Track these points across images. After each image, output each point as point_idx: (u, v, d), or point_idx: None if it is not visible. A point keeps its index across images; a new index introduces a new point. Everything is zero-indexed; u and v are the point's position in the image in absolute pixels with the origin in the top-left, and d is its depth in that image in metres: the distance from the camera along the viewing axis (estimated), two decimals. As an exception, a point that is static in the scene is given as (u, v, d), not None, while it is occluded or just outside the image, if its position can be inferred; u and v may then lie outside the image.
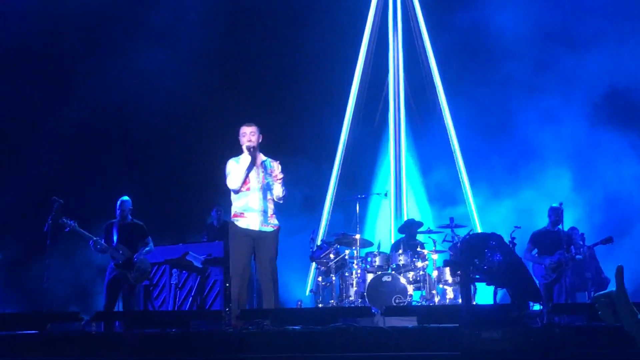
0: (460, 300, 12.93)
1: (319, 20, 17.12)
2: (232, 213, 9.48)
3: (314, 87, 16.85)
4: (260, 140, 9.55)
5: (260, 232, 9.29)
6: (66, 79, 16.73)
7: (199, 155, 15.43)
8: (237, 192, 9.41)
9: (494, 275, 6.90)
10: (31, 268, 14.40)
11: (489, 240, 6.97)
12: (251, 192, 9.37)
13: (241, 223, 9.34)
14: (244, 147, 9.42)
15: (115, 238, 12.05)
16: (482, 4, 16.99)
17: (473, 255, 6.89)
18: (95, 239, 11.85)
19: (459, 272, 6.85)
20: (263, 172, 9.46)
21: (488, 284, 7.03)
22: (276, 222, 9.44)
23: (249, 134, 9.42)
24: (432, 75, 17.06)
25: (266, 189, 9.41)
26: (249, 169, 9.38)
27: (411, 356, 6.86)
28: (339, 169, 16.89)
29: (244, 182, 9.37)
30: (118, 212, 12.25)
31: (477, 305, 7.49)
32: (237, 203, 9.43)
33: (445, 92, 17.03)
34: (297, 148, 15.78)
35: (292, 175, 15.99)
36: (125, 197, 12.37)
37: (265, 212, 9.34)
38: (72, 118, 16.05)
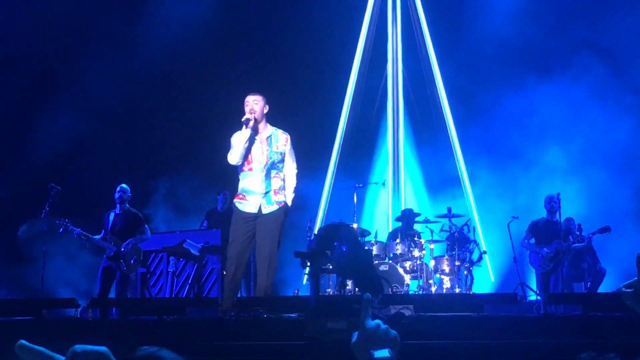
0: (457, 290, 13.02)
1: (318, 7, 17.08)
2: (236, 193, 9.18)
3: (311, 75, 16.82)
4: (266, 111, 9.12)
5: (261, 215, 8.95)
6: (68, 61, 16.66)
7: (205, 138, 15.30)
8: (240, 170, 9.06)
9: (340, 266, 7.01)
10: (28, 255, 14.40)
11: (339, 231, 7.06)
12: (253, 172, 9.00)
13: (242, 206, 9.01)
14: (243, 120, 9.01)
15: (108, 228, 12.06)
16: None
17: (325, 246, 6.98)
18: (78, 230, 11.80)
19: (308, 262, 6.96)
20: (268, 148, 9.06)
21: (337, 275, 7.15)
22: (282, 198, 9.04)
23: (251, 103, 9.00)
24: (430, 64, 17.02)
25: (270, 168, 9.02)
26: (250, 143, 8.94)
27: (258, 345, 6.93)
28: (337, 158, 16.86)
29: (246, 160, 8.98)
30: (117, 199, 12.21)
31: (324, 295, 7.62)
32: (240, 184, 9.08)
33: (443, 81, 16.98)
34: (294, 136, 15.77)
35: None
36: (124, 185, 12.34)
37: (267, 193, 8.96)
38: (73, 102, 16.00)
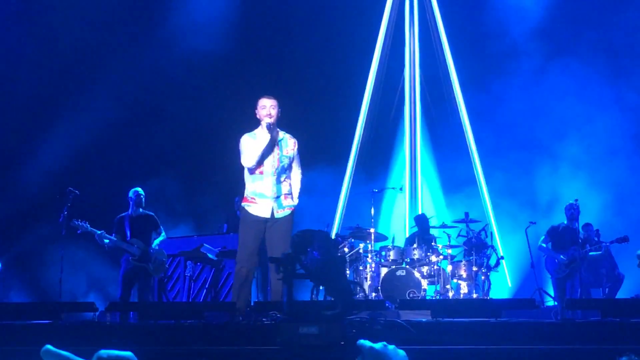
0: (475, 295, 12.99)
1: (336, 12, 17.08)
2: (244, 196, 9.12)
3: (329, 79, 16.81)
4: (279, 115, 9.11)
5: (272, 219, 8.94)
6: (88, 65, 16.72)
7: (218, 143, 15.33)
8: (251, 172, 9.01)
9: (311, 272, 7.12)
10: (47, 259, 14.46)
11: (313, 237, 7.14)
12: (264, 176, 8.96)
13: (252, 209, 8.97)
14: (263, 123, 8.97)
15: (127, 231, 12.04)
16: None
17: (300, 252, 7.06)
18: (100, 232, 11.81)
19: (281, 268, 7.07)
20: (279, 152, 9.05)
21: (311, 281, 7.29)
22: (292, 202, 9.08)
23: (269, 107, 8.97)
24: (447, 68, 16.98)
25: (281, 172, 9.02)
26: (268, 148, 8.92)
27: (227, 350, 7.01)
28: (354, 163, 16.84)
29: (260, 162, 8.97)
30: (131, 203, 12.21)
31: (298, 301, 7.71)
32: (249, 187, 9.04)
33: (460, 84, 16.94)
34: (312, 140, 15.76)
35: (307, 168, 16.09)
36: (139, 188, 12.34)
37: (278, 197, 8.96)
38: (90, 107, 16.06)
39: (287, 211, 9.01)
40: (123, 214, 12.20)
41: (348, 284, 7.77)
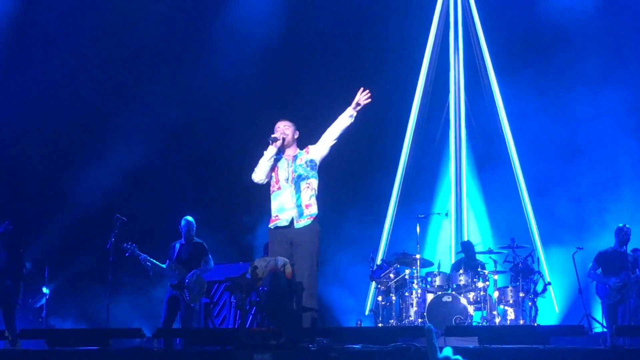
0: (522, 321, 12.88)
1: (382, 38, 17.14)
2: (270, 218, 8.98)
3: (374, 104, 16.76)
4: (296, 136, 9.08)
5: (295, 230, 8.75)
6: (132, 88, 16.92)
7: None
8: (270, 192, 8.93)
9: (259, 303, 7.26)
10: (94, 284, 14.59)
11: (266, 267, 7.25)
12: (282, 190, 8.85)
13: (276, 225, 8.85)
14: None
15: (174, 257, 12.14)
16: (547, 19, 16.90)
17: (256, 279, 7.19)
18: (143, 256, 11.92)
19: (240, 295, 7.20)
20: (292, 164, 8.92)
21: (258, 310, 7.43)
22: (313, 211, 8.83)
23: (282, 127, 9.01)
24: (493, 94, 16.94)
25: (298, 180, 8.84)
26: (274, 162, 8.89)
27: None
28: (399, 188, 16.82)
29: (274, 180, 8.90)
30: (183, 232, 12.32)
31: (254, 329, 7.75)
32: (272, 206, 8.91)
33: (506, 110, 16.86)
34: (358, 165, 15.79)
35: (352, 193, 16.09)
36: (190, 218, 12.43)
37: (299, 206, 8.77)
38: (136, 133, 16.24)
39: (308, 220, 8.78)
40: (176, 242, 12.32)
41: (295, 314, 7.77)
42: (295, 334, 7.35)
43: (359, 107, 9.00)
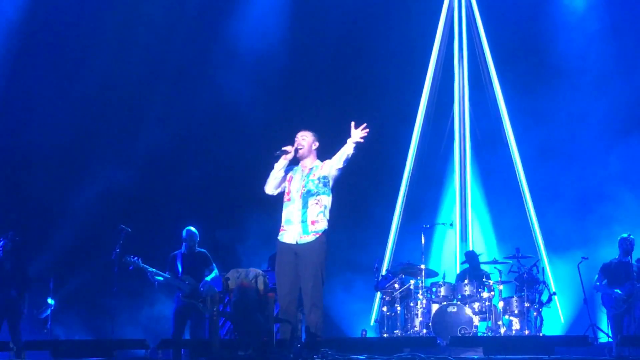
0: (527, 331, 12.86)
1: (386, 47, 17.15)
2: (280, 227, 8.98)
3: (379, 114, 16.79)
4: (315, 147, 9.02)
5: (298, 245, 8.72)
6: (139, 103, 16.95)
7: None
8: (282, 201, 8.94)
9: (229, 315, 7.36)
10: (99, 296, 14.58)
11: (236, 279, 7.36)
12: (291, 202, 8.83)
13: (282, 237, 8.84)
14: None
15: (180, 269, 12.13)
16: (551, 30, 16.93)
17: (225, 291, 7.29)
18: (151, 270, 11.90)
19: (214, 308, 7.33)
20: (306, 178, 8.88)
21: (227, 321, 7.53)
22: (320, 227, 8.74)
23: (299, 138, 8.99)
24: (497, 103, 16.92)
25: (307, 195, 8.78)
26: (284, 173, 8.89)
27: None
28: (403, 198, 16.81)
29: (287, 189, 8.90)
30: (185, 242, 12.31)
31: (226, 339, 7.82)
32: (282, 214, 8.92)
33: (510, 120, 16.86)
34: (362, 175, 15.75)
35: (357, 203, 16.06)
36: (192, 228, 12.42)
37: (304, 222, 8.71)
38: (142, 144, 16.26)
39: (312, 237, 8.69)
40: (176, 252, 12.31)
41: (261, 326, 7.82)
42: (262, 346, 7.42)
43: (357, 142, 8.87)
